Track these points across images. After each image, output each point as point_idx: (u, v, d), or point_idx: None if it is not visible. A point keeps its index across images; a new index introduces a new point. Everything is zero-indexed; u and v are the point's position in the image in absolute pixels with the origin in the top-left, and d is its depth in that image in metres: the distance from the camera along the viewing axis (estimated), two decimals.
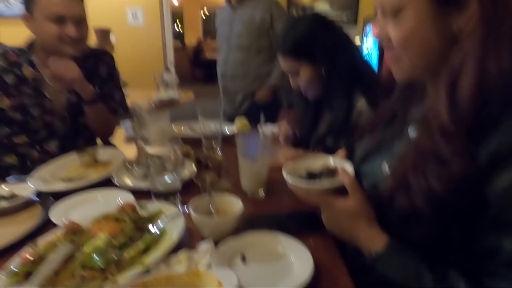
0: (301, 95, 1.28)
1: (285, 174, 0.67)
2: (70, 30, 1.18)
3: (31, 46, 1.28)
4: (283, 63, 1.19)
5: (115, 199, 0.88)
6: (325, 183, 0.64)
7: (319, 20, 1.17)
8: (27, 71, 1.24)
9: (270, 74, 2.23)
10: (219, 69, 2.38)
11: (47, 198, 0.89)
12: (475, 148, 0.51)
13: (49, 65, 1.17)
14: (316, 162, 0.72)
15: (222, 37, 2.31)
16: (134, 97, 3.22)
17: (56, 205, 0.86)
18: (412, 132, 0.66)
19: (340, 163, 0.69)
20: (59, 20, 1.17)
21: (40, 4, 1.16)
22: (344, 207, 0.62)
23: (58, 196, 0.91)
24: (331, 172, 0.66)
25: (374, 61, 3.36)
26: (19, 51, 1.26)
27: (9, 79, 1.22)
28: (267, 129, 1.41)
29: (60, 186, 0.97)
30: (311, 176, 0.67)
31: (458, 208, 0.53)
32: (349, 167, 0.67)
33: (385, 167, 0.67)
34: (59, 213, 0.82)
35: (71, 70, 1.19)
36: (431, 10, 0.55)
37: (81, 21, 1.22)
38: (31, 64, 1.26)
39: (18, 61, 1.24)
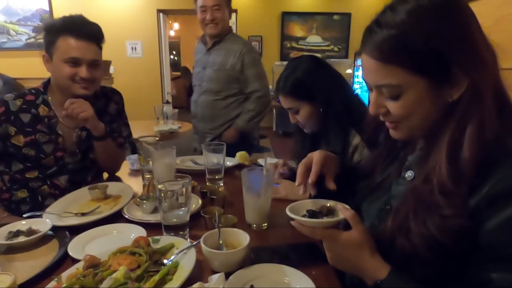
0: (299, 129, 1.37)
1: (289, 213, 0.73)
2: (82, 72, 1.27)
3: (46, 86, 1.37)
4: (283, 102, 1.28)
5: (128, 233, 0.94)
6: (329, 219, 0.70)
7: (317, 62, 1.28)
8: (42, 110, 1.33)
9: (238, 117, 2.23)
10: (191, 108, 2.38)
11: (63, 233, 0.94)
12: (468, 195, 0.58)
13: (65, 106, 1.25)
14: (314, 204, 0.78)
15: (196, 78, 2.33)
16: (133, 127, 3.30)
17: (72, 239, 0.91)
18: (409, 174, 0.73)
19: (338, 203, 0.76)
20: (74, 62, 1.27)
21: (60, 49, 1.26)
22: (348, 238, 0.67)
23: (72, 230, 0.97)
24: (330, 211, 0.73)
25: (365, 93, 3.51)
26: (36, 91, 1.35)
27: (25, 118, 1.30)
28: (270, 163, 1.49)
29: (74, 221, 1.02)
30: (313, 214, 0.73)
31: (455, 250, 0.59)
32: (346, 206, 0.74)
33: (385, 207, 0.74)
34: (76, 247, 0.87)
35: (85, 110, 1.27)
36: (429, 90, 0.62)
37: (95, 65, 1.31)
38: (46, 103, 1.34)
39: (34, 101, 1.32)
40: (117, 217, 1.06)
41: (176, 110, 3.28)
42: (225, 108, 2.22)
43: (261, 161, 1.62)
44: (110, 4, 6.03)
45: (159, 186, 0.88)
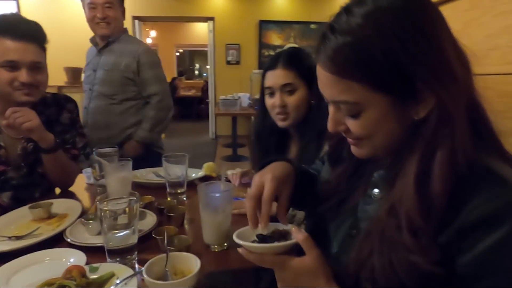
0: (259, 136, 1.32)
1: (236, 239, 0.64)
2: (22, 76, 1.15)
3: None
4: (281, 75, 1.18)
5: (65, 260, 0.82)
6: (279, 244, 0.61)
7: None
8: None
9: (138, 126, 1.97)
10: (83, 116, 2.07)
11: None
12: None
13: (6, 115, 1.12)
14: (266, 228, 0.67)
15: (86, 82, 2.06)
16: None
17: None
18: (376, 191, 0.65)
19: (292, 226, 0.67)
20: (12, 66, 1.15)
21: None
22: (301, 265, 0.59)
23: (5, 256, 0.84)
24: (282, 235, 0.64)
25: None
26: None
27: None
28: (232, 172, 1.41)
29: (6, 246, 0.89)
30: (263, 239, 0.64)
31: None
32: (300, 229, 0.65)
33: (351, 232, 0.66)
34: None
35: (30, 119, 1.15)
36: (392, 107, 0.54)
37: (37, 68, 1.19)
38: None
39: None
40: (58, 240, 0.93)
41: None
42: (122, 114, 1.95)
43: (229, 172, 1.52)
44: (82, 11, 5.85)
45: (99, 205, 0.77)
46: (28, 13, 5.57)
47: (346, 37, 0.53)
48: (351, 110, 0.56)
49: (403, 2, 0.53)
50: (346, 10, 0.55)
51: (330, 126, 0.61)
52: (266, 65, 1.25)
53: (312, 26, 6.50)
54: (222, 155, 5.41)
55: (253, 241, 0.63)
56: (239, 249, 0.62)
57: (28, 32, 1.16)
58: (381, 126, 0.56)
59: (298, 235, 0.60)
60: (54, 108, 1.36)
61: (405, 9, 0.52)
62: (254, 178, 0.70)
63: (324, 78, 0.57)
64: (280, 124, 1.23)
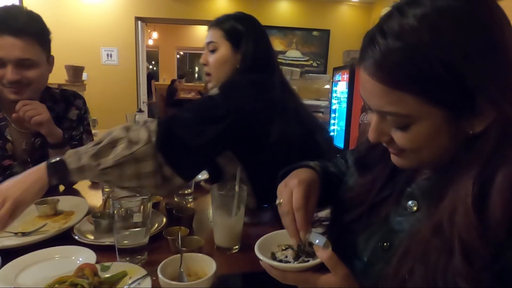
0: None
1: (257, 253, 0.61)
2: (7, 73, 1.10)
3: None
4: (210, 34, 1.20)
5: (74, 258, 0.80)
6: (303, 265, 0.58)
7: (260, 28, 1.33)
8: None
9: None
10: None
11: None
12: None
13: (16, 107, 1.10)
14: (288, 238, 0.65)
15: None
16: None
17: (4, 266, 0.76)
18: (411, 203, 0.60)
19: (314, 238, 0.64)
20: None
21: None
22: (325, 283, 0.55)
23: (10, 253, 0.81)
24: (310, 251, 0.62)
25: (343, 109, 3.47)
26: None
27: None
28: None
29: (11, 242, 0.87)
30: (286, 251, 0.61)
31: None
32: (324, 241, 0.63)
33: (382, 245, 0.62)
34: (7, 277, 0.72)
35: (40, 113, 1.13)
36: (445, 120, 0.49)
37: (27, 65, 1.13)
38: None
39: None
40: (65, 238, 0.91)
41: (150, 120, 3.12)
42: None
43: None
44: (85, 10, 5.83)
45: (112, 202, 0.76)
46: (30, 8, 5.57)
47: (398, 41, 0.47)
48: (400, 123, 0.51)
49: (466, 2, 0.46)
50: (398, 10, 0.49)
51: (372, 136, 0.55)
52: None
53: (314, 33, 6.53)
54: None
55: (286, 249, 0.61)
56: (261, 262, 0.59)
57: (15, 27, 1.09)
58: (432, 140, 0.51)
59: (322, 254, 0.56)
60: (63, 104, 1.34)
61: (469, 11, 0.46)
62: (280, 189, 0.66)
63: (370, 87, 0.51)
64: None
